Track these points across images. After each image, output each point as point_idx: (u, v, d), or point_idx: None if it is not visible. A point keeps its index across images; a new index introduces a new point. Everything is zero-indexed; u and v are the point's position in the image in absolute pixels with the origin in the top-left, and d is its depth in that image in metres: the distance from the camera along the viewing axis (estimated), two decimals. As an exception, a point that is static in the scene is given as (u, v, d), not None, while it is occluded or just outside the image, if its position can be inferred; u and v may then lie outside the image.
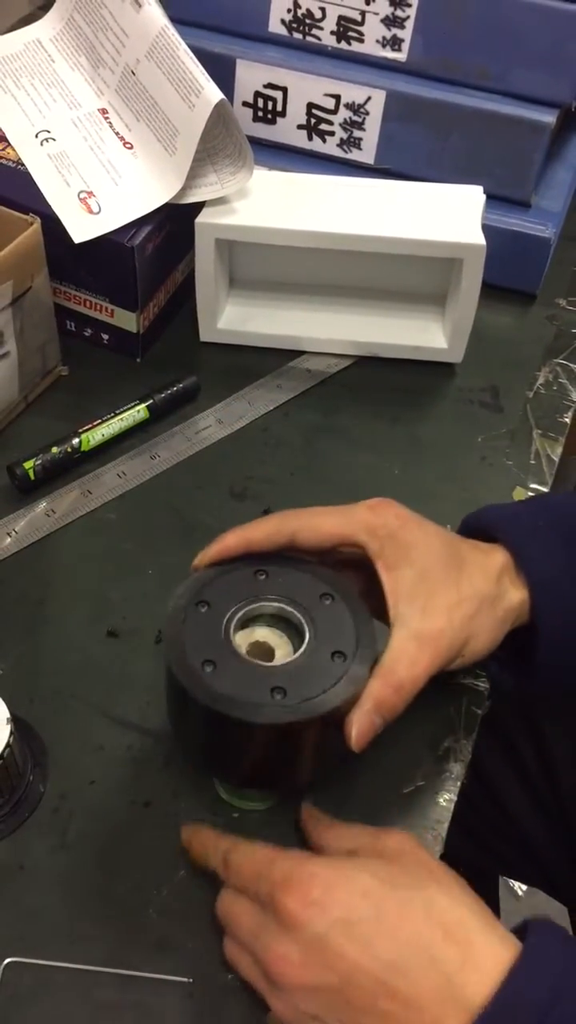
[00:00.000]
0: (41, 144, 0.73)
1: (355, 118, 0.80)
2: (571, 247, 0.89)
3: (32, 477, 0.67)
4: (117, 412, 0.71)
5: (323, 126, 0.81)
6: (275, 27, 0.80)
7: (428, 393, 0.77)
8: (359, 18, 0.77)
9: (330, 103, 0.80)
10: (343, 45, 0.79)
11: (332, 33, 0.78)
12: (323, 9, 0.77)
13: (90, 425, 0.69)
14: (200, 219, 0.70)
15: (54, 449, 0.68)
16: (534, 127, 0.76)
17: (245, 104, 0.82)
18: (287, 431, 0.73)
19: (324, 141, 0.82)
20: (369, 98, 0.78)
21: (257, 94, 0.81)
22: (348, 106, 0.79)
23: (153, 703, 0.57)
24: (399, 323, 0.79)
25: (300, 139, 0.83)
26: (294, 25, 0.79)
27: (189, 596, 0.49)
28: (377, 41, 0.77)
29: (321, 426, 0.74)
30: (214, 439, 0.72)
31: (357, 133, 0.81)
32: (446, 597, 0.49)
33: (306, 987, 0.40)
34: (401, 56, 0.78)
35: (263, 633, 0.49)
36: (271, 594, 0.50)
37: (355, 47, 0.78)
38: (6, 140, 0.73)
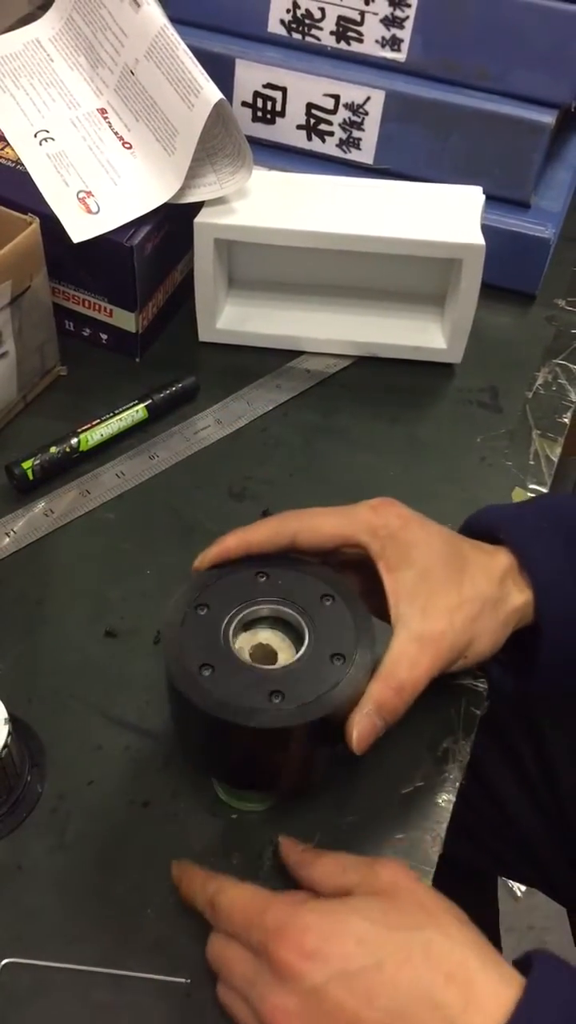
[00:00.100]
0: (40, 144, 0.73)
1: (354, 118, 0.80)
2: (570, 247, 0.89)
3: (30, 477, 0.67)
4: (116, 412, 0.70)
5: (322, 126, 0.81)
6: (274, 27, 0.80)
7: (427, 393, 0.77)
8: (358, 18, 0.77)
9: (329, 103, 0.80)
10: (342, 45, 0.79)
11: (331, 33, 0.78)
12: (322, 9, 0.77)
13: (89, 425, 0.69)
14: (199, 219, 0.70)
15: (53, 449, 0.68)
16: (533, 127, 0.76)
17: (244, 104, 0.82)
18: (286, 431, 0.73)
19: (323, 141, 0.82)
20: (368, 98, 0.78)
21: (256, 94, 0.81)
22: (347, 106, 0.79)
23: (152, 703, 0.57)
24: (398, 323, 0.79)
25: (299, 139, 0.83)
26: (293, 25, 0.79)
27: (188, 598, 0.49)
28: (376, 41, 0.77)
29: (320, 426, 0.74)
30: (213, 439, 0.72)
31: (356, 133, 0.81)
32: (448, 598, 0.48)
33: None
34: (400, 56, 0.78)
35: (266, 635, 0.49)
36: (271, 596, 0.49)
37: (354, 47, 0.78)
38: (5, 140, 0.73)
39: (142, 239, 0.70)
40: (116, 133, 0.74)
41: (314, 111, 0.80)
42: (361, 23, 0.77)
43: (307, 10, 0.78)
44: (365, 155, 0.82)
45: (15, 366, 0.69)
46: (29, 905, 0.49)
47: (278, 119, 0.82)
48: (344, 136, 0.81)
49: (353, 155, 0.82)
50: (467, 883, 0.93)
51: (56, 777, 0.54)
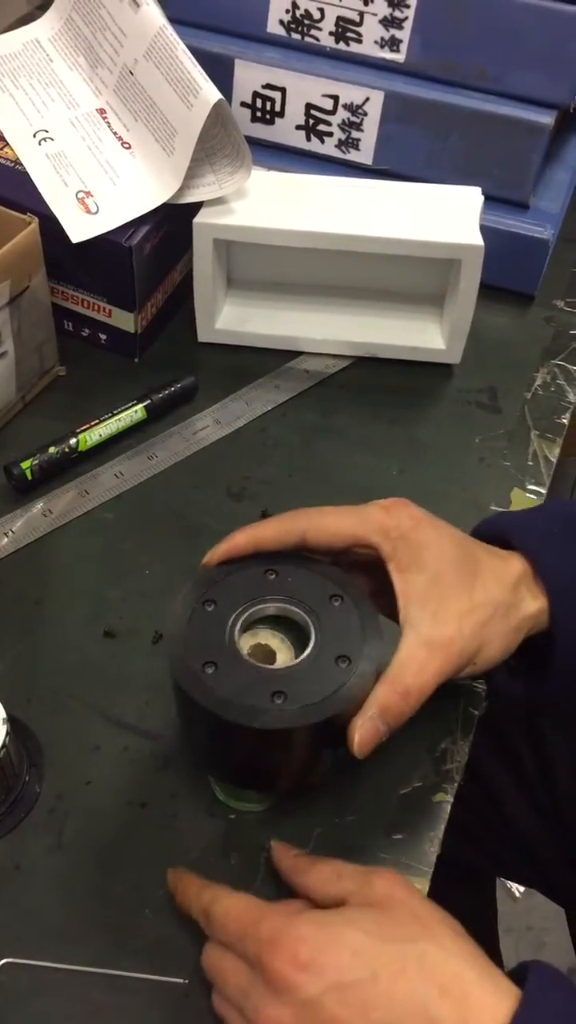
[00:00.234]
0: (39, 144, 0.73)
1: (353, 119, 0.80)
2: (569, 248, 0.89)
3: (29, 477, 0.67)
4: (115, 412, 0.70)
5: (321, 127, 0.81)
6: (274, 27, 0.80)
7: (426, 394, 0.77)
8: (357, 19, 0.77)
9: (328, 104, 0.80)
10: (341, 46, 0.79)
11: (331, 34, 0.78)
12: (321, 10, 0.77)
13: (88, 425, 0.69)
14: (198, 219, 0.70)
15: (51, 449, 0.68)
16: (532, 128, 0.76)
17: (243, 104, 0.82)
18: (285, 431, 0.73)
19: (322, 142, 0.82)
20: (367, 99, 0.78)
21: (255, 94, 0.81)
22: (346, 107, 0.79)
23: (151, 703, 0.57)
24: (397, 324, 0.79)
25: (298, 139, 0.83)
26: (292, 26, 0.79)
27: (196, 594, 0.49)
28: (375, 42, 0.77)
29: (319, 426, 0.74)
30: (212, 439, 0.72)
31: (355, 134, 0.81)
32: (459, 603, 0.48)
33: None
34: (399, 57, 0.78)
35: (264, 636, 0.49)
36: (279, 594, 0.49)
37: (353, 48, 0.78)
38: (4, 140, 0.73)
39: (141, 239, 0.70)
40: (115, 133, 0.74)
41: (313, 111, 0.81)
42: (360, 24, 0.77)
43: (306, 11, 0.78)
44: (364, 156, 0.82)
45: (14, 366, 0.69)
46: (27, 905, 0.49)
47: (277, 119, 0.82)
48: (343, 137, 0.81)
49: (352, 156, 0.82)
50: (466, 884, 0.93)
51: (54, 777, 0.54)
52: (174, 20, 0.72)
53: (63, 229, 0.68)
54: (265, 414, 0.74)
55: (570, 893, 0.75)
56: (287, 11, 0.78)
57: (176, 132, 0.69)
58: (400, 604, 0.48)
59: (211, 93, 0.67)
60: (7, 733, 0.49)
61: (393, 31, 0.76)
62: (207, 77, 0.68)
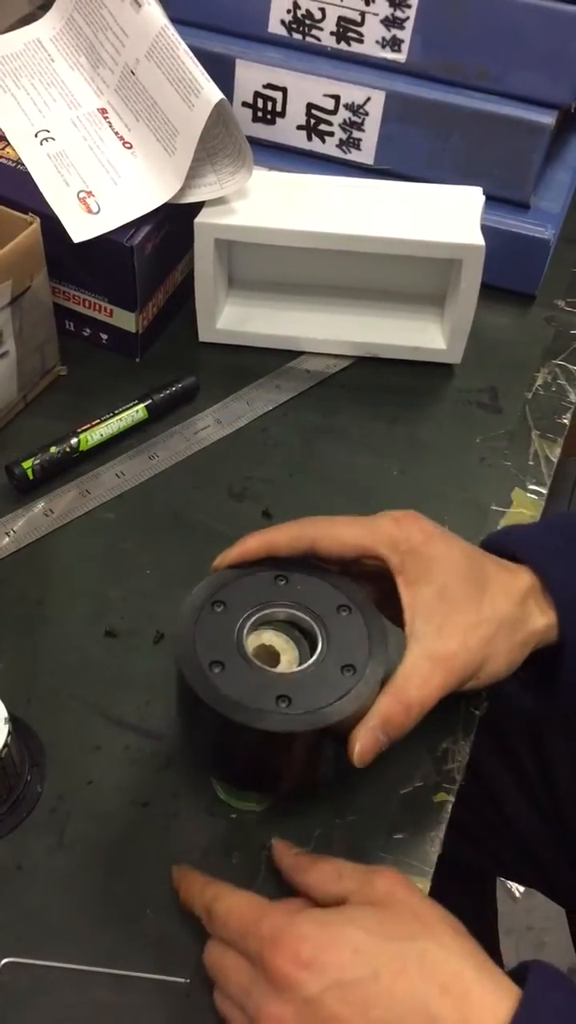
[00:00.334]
0: (41, 144, 0.73)
1: (354, 119, 0.80)
2: (570, 248, 0.89)
3: (30, 477, 0.67)
4: (116, 412, 0.70)
5: (322, 127, 0.81)
6: (275, 27, 0.80)
7: (427, 394, 0.77)
8: (359, 19, 0.77)
9: (329, 104, 0.80)
10: (343, 46, 0.79)
11: (332, 34, 0.78)
12: (323, 10, 0.77)
13: (89, 425, 0.69)
14: (199, 219, 0.70)
15: (53, 449, 0.68)
16: (533, 128, 0.76)
17: (244, 104, 0.82)
18: (286, 431, 0.73)
19: (323, 142, 0.82)
20: (368, 99, 0.78)
21: (256, 94, 0.81)
22: (347, 107, 0.79)
23: (152, 703, 0.57)
24: (398, 324, 0.79)
25: (299, 139, 0.83)
26: (294, 26, 0.79)
27: (206, 594, 0.49)
28: (377, 42, 0.77)
29: (320, 426, 0.74)
30: (213, 439, 0.72)
31: (356, 134, 0.81)
32: (465, 617, 0.48)
33: None
34: (401, 57, 0.78)
35: (269, 637, 0.49)
36: (288, 600, 0.49)
37: (355, 48, 0.78)
38: (5, 139, 0.73)
39: (142, 239, 0.70)
40: (117, 133, 0.74)
41: (314, 111, 0.81)
42: (361, 24, 0.77)
43: (307, 10, 0.78)
44: (365, 155, 0.82)
45: (15, 366, 0.69)
46: (29, 905, 0.49)
47: (278, 119, 0.82)
48: (344, 136, 0.81)
49: (353, 155, 0.82)
50: (466, 884, 0.93)
51: (56, 777, 0.54)
52: (175, 20, 0.72)
53: (64, 229, 0.68)
54: (266, 414, 0.74)
55: (570, 893, 0.75)
56: (288, 11, 0.78)
57: (177, 132, 0.69)
58: (406, 617, 0.48)
59: (212, 93, 0.67)
60: (9, 733, 0.49)
61: (394, 31, 0.76)
62: (208, 77, 0.68)
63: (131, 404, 0.71)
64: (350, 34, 0.78)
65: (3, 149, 0.73)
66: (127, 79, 0.73)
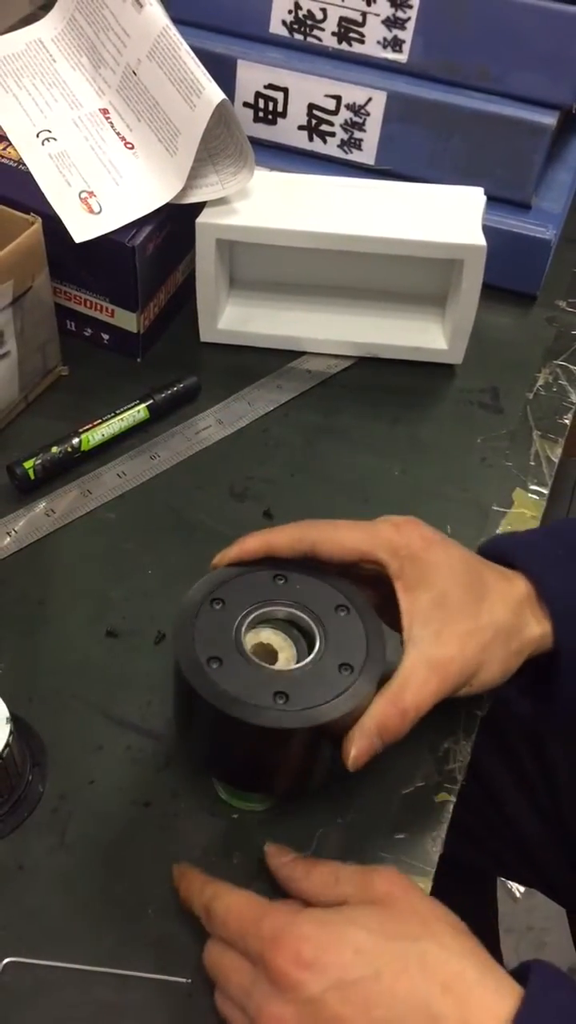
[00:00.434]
0: (42, 144, 0.73)
1: (356, 119, 0.80)
2: (571, 248, 0.89)
3: (32, 477, 0.67)
4: (117, 412, 0.71)
5: (324, 127, 0.81)
6: (276, 28, 0.80)
7: (428, 394, 0.77)
8: (360, 19, 0.77)
9: (331, 104, 0.80)
10: (344, 46, 0.79)
11: (333, 34, 0.78)
12: (324, 10, 0.77)
13: (90, 425, 0.69)
14: (201, 219, 0.70)
15: (54, 449, 0.68)
16: (534, 129, 0.76)
17: (246, 105, 0.82)
18: (287, 432, 0.73)
19: (325, 142, 0.82)
20: (370, 99, 0.78)
21: (258, 95, 0.81)
22: (349, 107, 0.79)
23: (153, 703, 0.57)
24: (399, 324, 0.79)
25: (301, 140, 0.83)
26: (295, 26, 0.79)
27: (205, 591, 0.49)
28: (378, 42, 0.77)
29: (321, 427, 0.74)
30: (214, 439, 0.72)
31: (358, 134, 0.81)
32: (463, 624, 0.48)
33: None
34: (402, 57, 0.78)
35: (267, 634, 0.49)
36: (286, 599, 0.49)
37: (356, 48, 0.78)
38: (7, 140, 0.73)
39: (144, 239, 0.70)
40: (118, 133, 0.74)
41: (315, 112, 0.81)
42: (363, 24, 0.77)
43: (309, 11, 0.78)
44: (366, 156, 0.82)
45: (17, 366, 0.69)
46: (30, 905, 0.49)
47: (279, 120, 0.82)
48: (345, 137, 0.81)
49: (354, 156, 0.82)
50: (467, 883, 0.93)
51: (57, 777, 0.54)
52: (177, 20, 0.72)
53: (66, 229, 0.68)
54: (267, 414, 0.74)
55: (571, 894, 0.75)
56: (289, 11, 0.78)
57: (179, 132, 0.69)
58: (404, 622, 0.48)
59: (214, 93, 0.67)
60: (10, 732, 0.49)
61: (396, 31, 0.76)
62: (210, 77, 0.68)
63: (132, 404, 0.71)
64: (351, 34, 0.78)
65: (5, 149, 0.73)
66: (129, 79, 0.74)
